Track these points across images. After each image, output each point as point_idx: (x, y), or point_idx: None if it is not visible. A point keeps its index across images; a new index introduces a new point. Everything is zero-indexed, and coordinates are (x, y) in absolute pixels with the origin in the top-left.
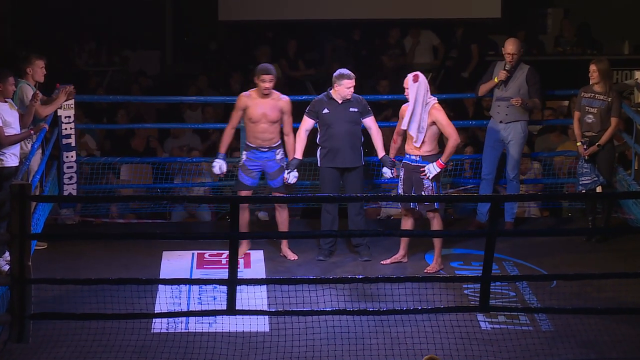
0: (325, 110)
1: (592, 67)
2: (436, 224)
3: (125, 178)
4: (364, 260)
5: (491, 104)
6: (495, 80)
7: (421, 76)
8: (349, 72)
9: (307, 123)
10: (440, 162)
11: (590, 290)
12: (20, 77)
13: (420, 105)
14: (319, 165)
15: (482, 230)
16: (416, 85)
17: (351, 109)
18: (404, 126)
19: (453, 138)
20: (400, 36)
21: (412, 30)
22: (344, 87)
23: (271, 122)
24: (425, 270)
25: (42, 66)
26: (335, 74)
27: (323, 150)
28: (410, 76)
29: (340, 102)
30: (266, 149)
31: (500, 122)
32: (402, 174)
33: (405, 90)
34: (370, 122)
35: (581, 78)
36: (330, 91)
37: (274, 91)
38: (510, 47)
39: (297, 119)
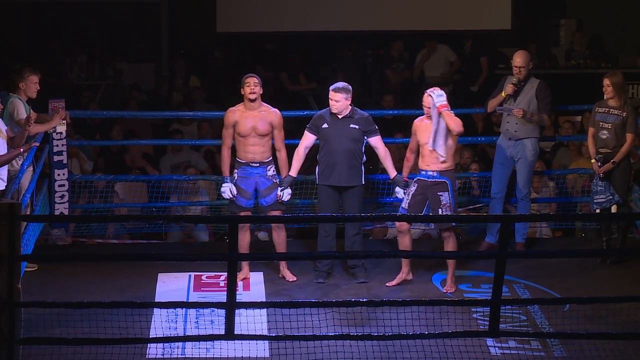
0: (325, 125)
1: (606, 82)
2: (451, 244)
3: (119, 196)
4: (360, 282)
5: (501, 119)
6: (503, 94)
7: None
8: (338, 85)
9: (308, 139)
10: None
11: (605, 314)
12: (12, 92)
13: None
14: (317, 182)
15: (492, 252)
16: None
17: (351, 126)
18: (430, 147)
19: None
20: (404, 49)
21: (428, 43)
22: (330, 100)
23: (261, 136)
24: (444, 290)
25: (35, 82)
26: None
27: (321, 167)
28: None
29: (340, 117)
30: (257, 164)
31: (510, 138)
32: (413, 188)
33: (425, 109)
34: (376, 142)
35: (595, 92)
36: None
37: (264, 103)
38: (517, 59)
39: (298, 135)
